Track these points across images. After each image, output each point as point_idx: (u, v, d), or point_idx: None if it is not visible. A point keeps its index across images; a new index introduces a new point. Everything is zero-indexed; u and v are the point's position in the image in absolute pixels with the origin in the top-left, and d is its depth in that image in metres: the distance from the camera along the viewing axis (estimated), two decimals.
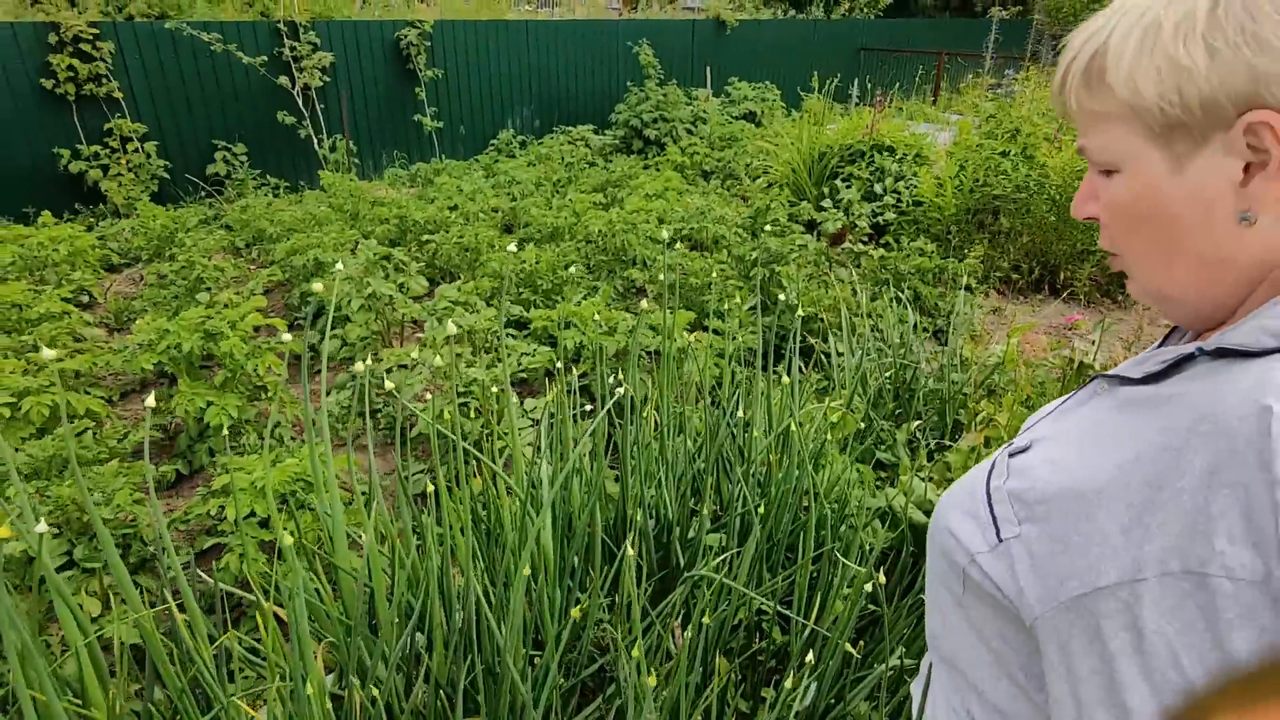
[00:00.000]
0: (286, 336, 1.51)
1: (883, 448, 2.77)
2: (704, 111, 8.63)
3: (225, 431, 2.96)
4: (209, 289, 3.87)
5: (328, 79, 7.39)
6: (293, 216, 4.98)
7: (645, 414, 2.15)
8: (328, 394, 3.60)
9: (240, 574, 2.11)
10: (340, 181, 6.01)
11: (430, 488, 1.63)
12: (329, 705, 1.46)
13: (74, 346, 3.53)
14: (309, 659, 1.31)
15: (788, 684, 1.25)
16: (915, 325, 3.21)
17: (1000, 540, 0.62)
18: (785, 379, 1.74)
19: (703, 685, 1.58)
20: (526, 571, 1.35)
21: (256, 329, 3.65)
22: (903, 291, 3.66)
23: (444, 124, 8.26)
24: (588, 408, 2.45)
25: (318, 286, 1.52)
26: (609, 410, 2.30)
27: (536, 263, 3.83)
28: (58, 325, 3.61)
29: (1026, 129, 5.03)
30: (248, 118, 7.17)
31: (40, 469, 2.34)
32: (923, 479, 2.17)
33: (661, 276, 3.69)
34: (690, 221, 4.67)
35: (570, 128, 8.65)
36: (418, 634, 1.70)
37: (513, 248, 1.62)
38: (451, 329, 1.45)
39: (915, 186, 5.17)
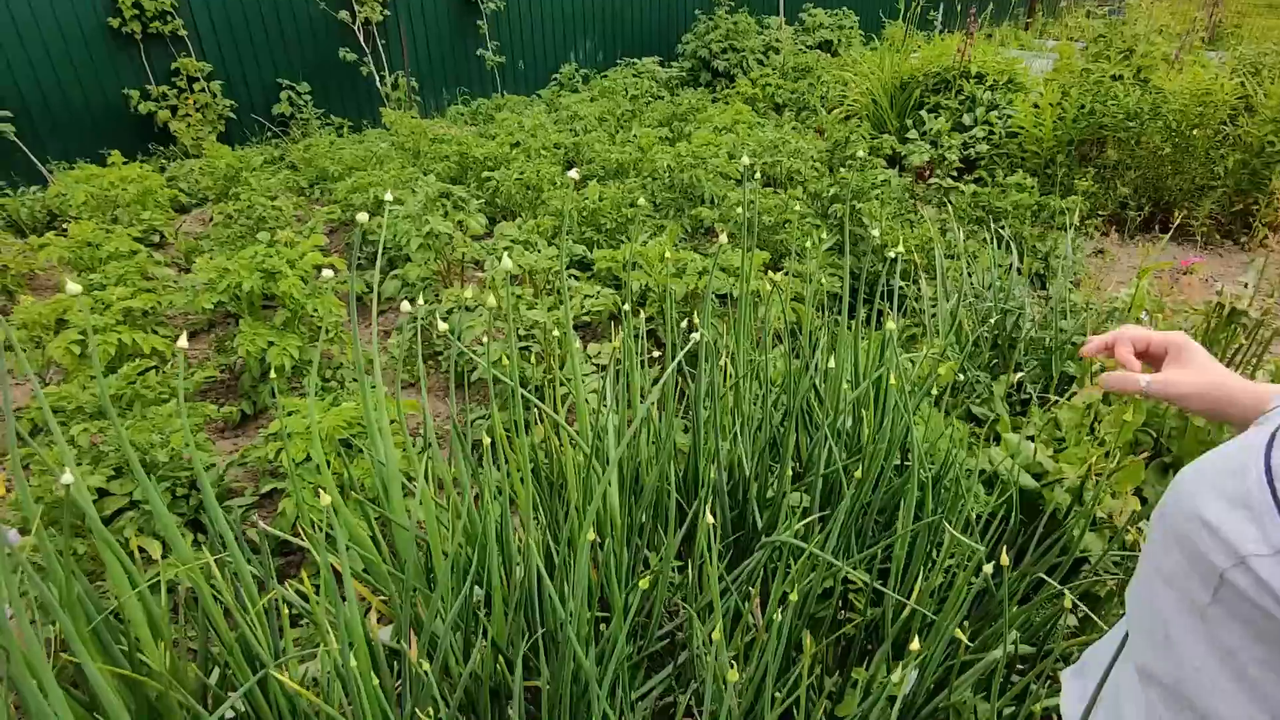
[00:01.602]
0: (328, 273, 1.38)
1: (977, 401, 2.53)
2: (777, 41, 8.14)
3: (286, 373, 2.91)
4: (270, 228, 3.82)
5: (387, 12, 7.22)
6: (353, 155, 4.89)
7: (719, 362, 1.97)
8: (388, 335, 3.53)
9: (296, 520, 2.06)
10: (401, 119, 5.88)
11: (487, 437, 1.50)
12: (382, 662, 1.37)
13: (143, 285, 3.54)
14: (356, 624, 1.21)
15: (895, 676, 1.08)
16: (1016, 267, 2.91)
17: None
18: (890, 325, 1.53)
19: (785, 664, 1.43)
20: (591, 536, 1.21)
21: (317, 269, 3.58)
22: (1000, 230, 3.33)
23: (505, 59, 8.02)
24: (655, 354, 2.28)
25: (362, 217, 1.38)
26: (679, 359, 2.13)
27: (600, 200, 3.63)
28: (126, 264, 3.62)
29: (1142, 48, 4.50)
30: (311, 56, 7.08)
31: (103, 408, 2.32)
32: (1030, 438, 1.94)
33: (740, 210, 3.46)
34: (763, 156, 4.37)
35: (635, 60, 8.29)
36: (476, 589, 1.60)
37: (574, 174, 1.44)
38: (508, 265, 1.28)
39: (1010, 116, 4.72)
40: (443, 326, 1.47)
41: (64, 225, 4.98)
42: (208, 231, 4.62)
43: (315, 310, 3.01)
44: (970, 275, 3.20)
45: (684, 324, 2.02)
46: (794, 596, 1.23)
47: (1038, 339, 2.59)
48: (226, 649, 1.36)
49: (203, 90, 6.58)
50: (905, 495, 1.49)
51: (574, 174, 1.57)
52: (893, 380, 1.59)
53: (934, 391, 2.18)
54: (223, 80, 6.66)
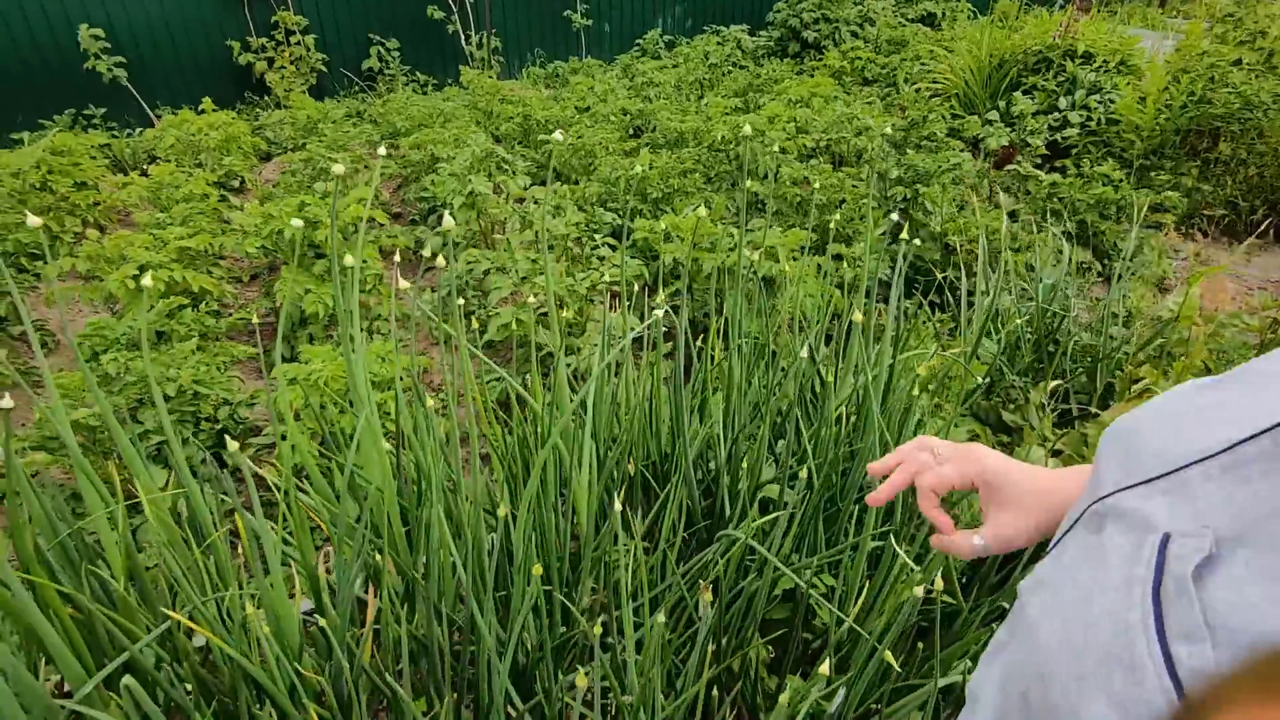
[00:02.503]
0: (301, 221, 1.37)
1: (1010, 407, 2.34)
2: (873, 12, 7.73)
3: (322, 320, 2.99)
4: (328, 179, 3.93)
5: None
6: (422, 112, 4.96)
7: (713, 343, 1.89)
8: (423, 292, 3.58)
9: (294, 464, 2.11)
10: (479, 79, 5.93)
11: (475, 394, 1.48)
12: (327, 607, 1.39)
13: (207, 227, 3.71)
14: (277, 576, 1.21)
15: (808, 682, 1.01)
16: (1077, 265, 2.66)
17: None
18: (927, 318, 1.41)
19: (725, 657, 1.36)
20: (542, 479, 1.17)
21: (361, 220, 3.65)
22: (1072, 225, 3.06)
23: (592, 21, 7.95)
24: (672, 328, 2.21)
25: (381, 150, 1.36)
26: (690, 337, 2.06)
27: (650, 169, 3.55)
28: (198, 206, 3.80)
29: (1276, 30, 4.01)
30: (401, 12, 7.21)
31: (136, 340, 2.45)
32: (1047, 449, 1.77)
33: (793, 187, 3.31)
34: (830, 131, 4.17)
35: (723, 28, 8.06)
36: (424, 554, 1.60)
37: (559, 135, 1.38)
38: (449, 223, 1.25)
39: (1112, 102, 4.32)
40: (404, 285, 1.45)
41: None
42: (281, 179, 4.81)
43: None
44: (1029, 270, 2.96)
45: (714, 299, 1.94)
46: (710, 595, 1.16)
47: (1090, 346, 2.37)
48: (177, 581, 1.40)
49: (298, 43, 6.81)
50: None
51: (559, 135, 1.51)
52: (866, 376, 1.47)
53: (956, 391, 2.03)
54: (317, 34, 6.88)
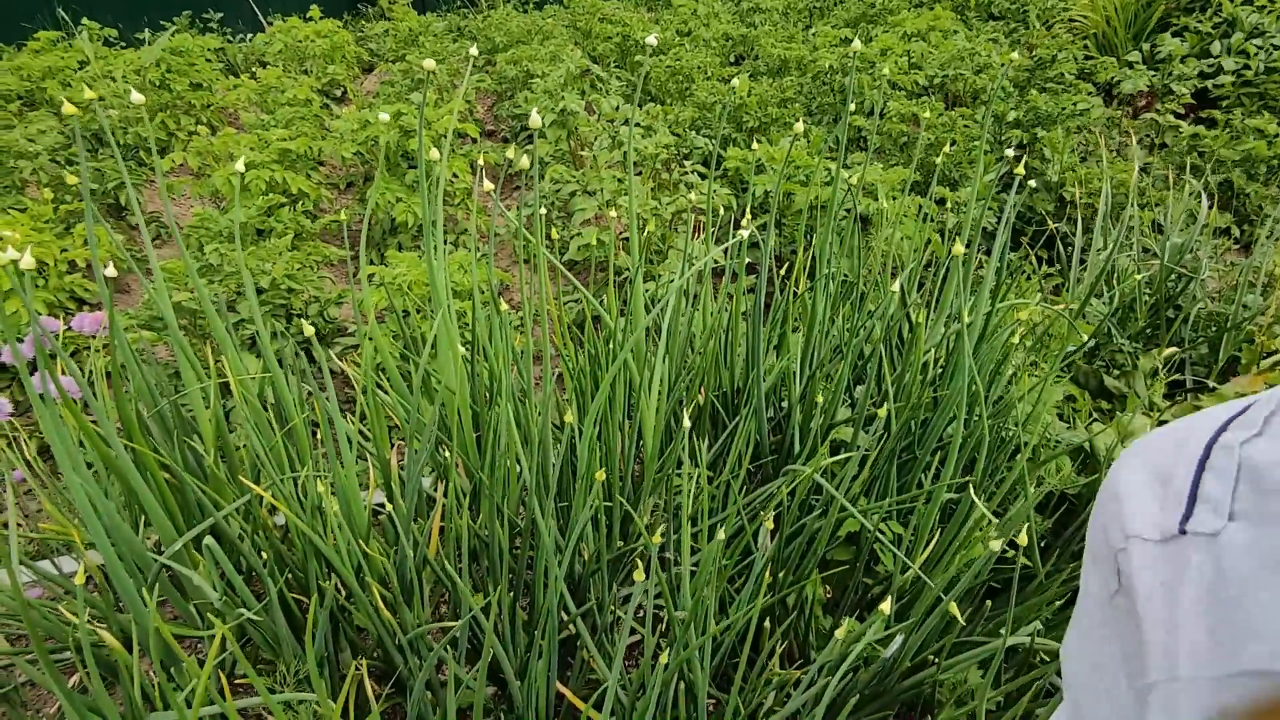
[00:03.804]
0: (389, 115, 1.36)
1: (1115, 373, 2.18)
2: None
3: (411, 229, 3.04)
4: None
5: None
6: (520, 28, 4.88)
7: (798, 277, 1.81)
8: (509, 209, 3.58)
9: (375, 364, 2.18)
10: None
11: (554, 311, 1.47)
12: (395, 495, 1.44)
13: (314, 132, 3.80)
14: (345, 442, 1.25)
15: (864, 624, 0.98)
16: (1213, 228, 2.42)
17: (1182, 531, 0.35)
18: (1032, 271, 1.31)
19: (781, 589, 1.34)
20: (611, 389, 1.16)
21: (460, 136, 3.66)
22: (1213, 184, 2.78)
23: None
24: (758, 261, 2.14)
25: (473, 50, 1.33)
26: (774, 271, 1.98)
27: (749, 95, 3.40)
28: (301, 110, 3.89)
29: None
30: None
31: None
32: (1153, 419, 1.64)
33: (899, 124, 3.12)
34: (947, 68, 3.88)
35: None
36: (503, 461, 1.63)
37: (653, 39, 1.32)
38: (536, 120, 1.21)
39: (1276, 48, 3.85)
40: (488, 186, 1.43)
41: None
42: (380, 90, 4.87)
43: (447, 172, 3.10)
44: (1157, 229, 2.72)
45: (812, 235, 1.86)
46: (782, 526, 1.14)
47: (1216, 314, 2.17)
48: (260, 463, 1.47)
49: None
50: (950, 449, 1.31)
51: (653, 40, 1.44)
52: (965, 316, 1.37)
53: (1055, 350, 1.90)
54: None
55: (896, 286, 1.44)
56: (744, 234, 1.32)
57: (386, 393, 1.85)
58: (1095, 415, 2.06)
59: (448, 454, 1.49)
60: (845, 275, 1.95)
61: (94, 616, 1.30)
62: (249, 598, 1.16)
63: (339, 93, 5.18)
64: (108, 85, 4.00)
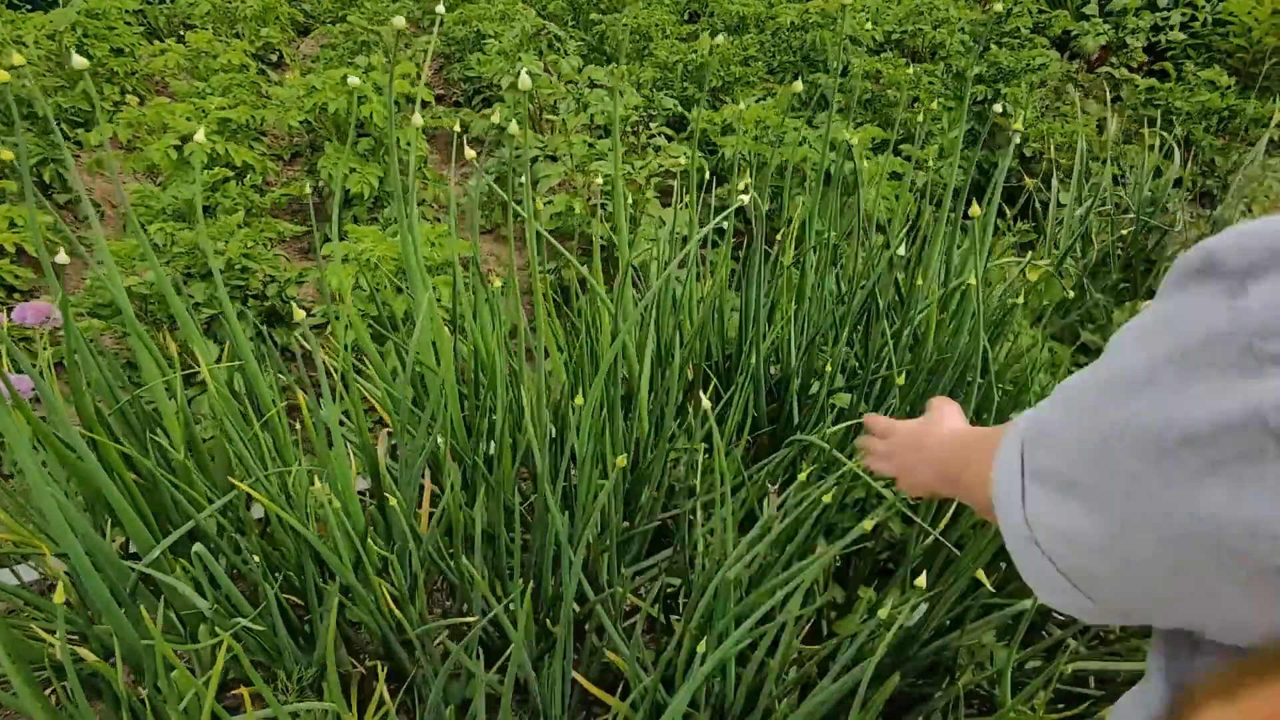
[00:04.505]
0: (357, 79, 1.26)
1: (1090, 327, 2.21)
2: None
3: (366, 202, 2.89)
4: (369, 54, 3.74)
5: None
6: None
7: (788, 239, 1.77)
8: (467, 178, 3.45)
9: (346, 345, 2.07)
10: None
11: (540, 289, 1.40)
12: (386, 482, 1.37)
13: (247, 100, 3.58)
14: (335, 430, 1.18)
15: (883, 593, 0.96)
16: (1178, 180, 2.46)
17: None
18: (1007, 228, 1.28)
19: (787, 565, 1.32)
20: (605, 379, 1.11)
21: (407, 99, 3.49)
22: (1172, 135, 2.82)
23: None
24: (741, 227, 2.09)
25: (399, 21, 1.24)
26: (760, 235, 1.94)
27: (710, 54, 3.31)
28: (237, 77, 3.65)
29: None
30: None
31: (183, 211, 2.38)
32: None
33: (864, 82, 3.08)
34: (906, 23, 3.85)
35: None
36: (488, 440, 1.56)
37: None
38: (526, 82, 1.12)
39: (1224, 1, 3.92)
40: (470, 154, 1.34)
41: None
42: (319, 54, 4.61)
43: (400, 141, 2.95)
44: (1121, 183, 2.76)
45: (781, 198, 1.81)
46: (827, 498, 1.11)
47: None
48: (236, 456, 1.38)
49: None
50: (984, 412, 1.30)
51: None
52: (972, 281, 1.36)
53: (1035, 306, 1.91)
54: None
55: (902, 250, 1.41)
56: (745, 198, 1.27)
57: (367, 377, 1.76)
58: (1073, 370, 2.08)
59: (439, 440, 1.42)
60: (832, 238, 1.92)
61: (69, 631, 1.21)
62: (244, 604, 1.08)
63: (274, 57, 4.89)
64: (20, 52, 3.68)
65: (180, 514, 1.33)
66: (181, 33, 5.15)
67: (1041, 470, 0.39)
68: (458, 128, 1.67)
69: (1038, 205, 2.53)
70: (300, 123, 2.87)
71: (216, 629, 1.05)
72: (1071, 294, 1.88)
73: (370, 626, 1.22)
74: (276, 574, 1.21)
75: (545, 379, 1.85)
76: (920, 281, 1.59)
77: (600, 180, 1.81)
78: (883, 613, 1.08)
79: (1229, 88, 3.24)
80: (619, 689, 1.46)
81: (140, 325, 1.43)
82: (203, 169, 2.77)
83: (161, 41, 4.90)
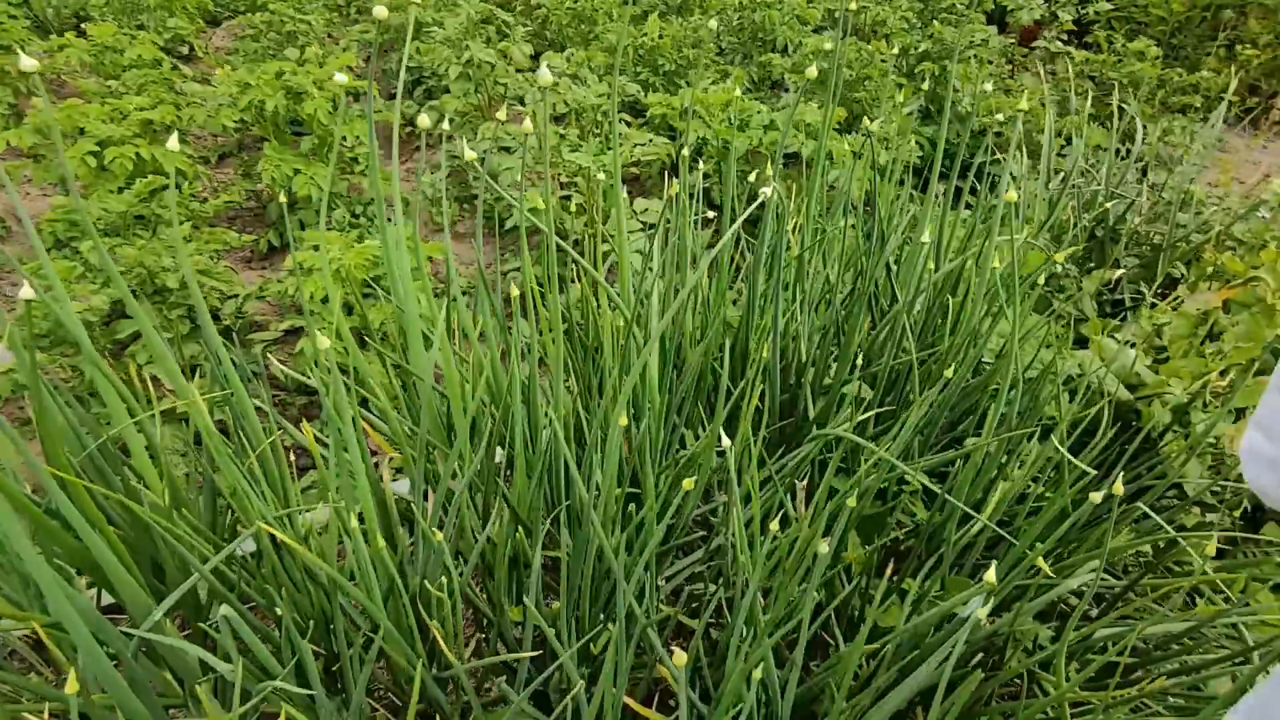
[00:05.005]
0: (340, 77, 1.16)
1: (1063, 297, 2.27)
2: None
3: (314, 205, 2.73)
4: (300, 45, 3.52)
5: None
6: None
7: (785, 229, 1.73)
8: (425, 172, 3.30)
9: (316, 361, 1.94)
10: None
11: (516, 290, 1.32)
12: (394, 518, 1.28)
13: (166, 98, 3.31)
14: (361, 470, 1.09)
15: (978, 606, 0.94)
16: (1127, 151, 2.55)
17: None
18: (1011, 195, 1.28)
19: (830, 568, 1.30)
20: (624, 417, 1.05)
21: (349, 95, 3.31)
22: (1122, 105, 2.92)
23: None
24: (710, 215, 2.04)
25: (380, 11, 1.14)
26: (738, 223, 1.90)
27: (660, 37, 3.25)
28: (150, 73, 3.37)
29: None
30: None
31: (117, 225, 2.19)
32: (1130, 344, 1.71)
33: (817, 61, 3.07)
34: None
35: None
36: (499, 450, 1.49)
37: None
38: (547, 76, 1.05)
39: None
40: (469, 154, 1.25)
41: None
42: (238, 46, 4.31)
43: (345, 138, 2.79)
44: (1063, 155, 2.84)
45: (746, 184, 1.77)
46: (851, 501, 1.08)
47: (1144, 234, 2.29)
48: (229, 490, 1.26)
49: None
50: (995, 396, 1.30)
51: None
52: (996, 263, 1.36)
53: (1030, 283, 1.94)
54: None
55: (927, 237, 1.40)
56: (767, 191, 1.22)
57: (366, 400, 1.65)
58: (1052, 341, 2.14)
59: (442, 462, 1.33)
60: (819, 225, 1.90)
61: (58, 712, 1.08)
62: (273, 664, 0.98)
63: (184, 50, 4.56)
64: None
65: (178, 565, 1.21)
66: (77, 28, 4.74)
67: None
68: (399, 121, 1.56)
69: (995, 180, 2.58)
70: (236, 122, 2.67)
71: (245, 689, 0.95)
72: (1061, 265, 1.92)
73: (403, 666, 1.14)
74: (309, 626, 1.11)
75: (560, 397, 1.78)
76: (926, 267, 1.58)
77: (595, 171, 1.74)
78: (944, 604, 1.07)
79: (1156, 58, 3.38)
80: (653, 700, 1.42)
81: (98, 356, 1.29)
82: (130, 177, 2.55)
83: (53, 37, 4.50)
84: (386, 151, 3.54)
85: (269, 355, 1.94)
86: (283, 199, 1.23)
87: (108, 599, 1.32)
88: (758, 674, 0.97)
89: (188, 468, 1.64)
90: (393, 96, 4.00)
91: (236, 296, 2.03)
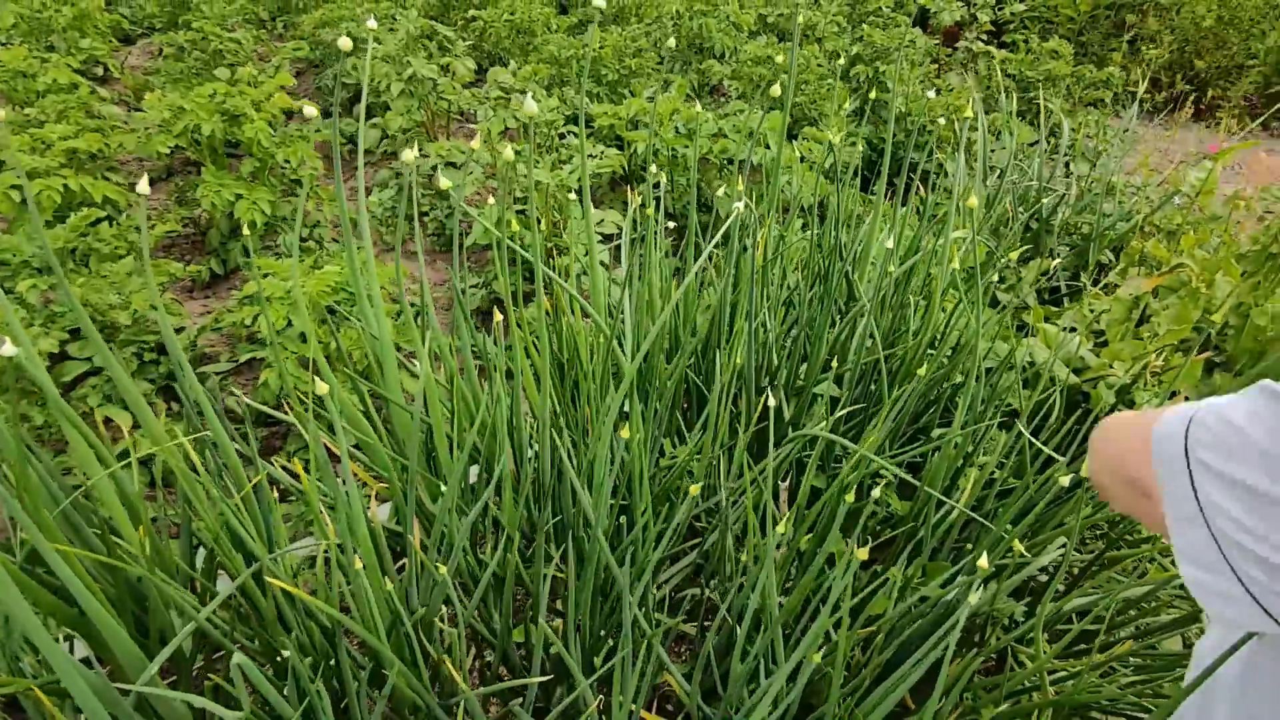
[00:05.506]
0: (310, 111, 1.15)
1: (1003, 287, 2.39)
2: None
3: (259, 230, 2.66)
4: (230, 64, 3.41)
5: None
6: None
7: (752, 240, 1.78)
8: (368, 193, 3.25)
9: (280, 393, 1.90)
10: None
11: (499, 313, 1.33)
12: (384, 551, 1.27)
13: (88, 124, 3.17)
14: (357, 506, 1.08)
15: (964, 581, 1.00)
16: (1052, 146, 2.70)
17: None
18: (919, 202, 1.34)
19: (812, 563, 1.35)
20: (615, 428, 1.08)
21: (286, 114, 3.23)
22: (1044, 102, 3.08)
23: None
24: (670, 225, 2.08)
25: (345, 42, 1.13)
26: (694, 230, 1.94)
27: (601, 47, 3.27)
28: (66, 99, 3.22)
29: None
30: None
31: (49, 264, 2.09)
32: (1072, 330, 1.82)
33: (755, 67, 3.14)
34: (778, 5, 3.96)
35: None
36: (485, 474, 1.49)
37: None
38: (533, 107, 1.07)
39: None
40: (444, 184, 1.26)
41: None
42: (157, 65, 4.15)
43: (288, 160, 2.72)
44: (992, 151, 2.98)
45: (701, 191, 1.81)
46: (849, 497, 1.13)
47: (1074, 225, 2.43)
48: (211, 533, 1.23)
49: None
50: (958, 388, 1.37)
51: None
52: (956, 263, 1.43)
53: (970, 277, 2.03)
54: None
55: (891, 241, 1.46)
56: (739, 206, 1.26)
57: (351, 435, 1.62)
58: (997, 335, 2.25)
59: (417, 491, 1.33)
60: (779, 232, 1.95)
61: None
62: (284, 707, 0.97)
63: (99, 72, 4.37)
64: None
65: (174, 614, 1.18)
66: None
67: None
68: (340, 139, 1.55)
69: (932, 178, 2.70)
70: (170, 148, 2.58)
71: None
72: (1005, 258, 2.02)
73: (408, 696, 1.13)
74: (321, 668, 1.10)
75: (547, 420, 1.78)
76: (885, 268, 1.65)
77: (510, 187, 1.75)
78: (934, 590, 1.12)
79: (1069, 56, 3.58)
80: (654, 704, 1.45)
81: (66, 405, 1.24)
82: (58, 210, 2.44)
83: None
84: (329, 172, 3.47)
85: (234, 390, 1.89)
86: (224, 226, 1.21)
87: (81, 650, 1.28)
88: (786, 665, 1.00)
89: (155, 511, 1.59)
90: (327, 115, 3.91)
91: (186, 329, 1.97)
